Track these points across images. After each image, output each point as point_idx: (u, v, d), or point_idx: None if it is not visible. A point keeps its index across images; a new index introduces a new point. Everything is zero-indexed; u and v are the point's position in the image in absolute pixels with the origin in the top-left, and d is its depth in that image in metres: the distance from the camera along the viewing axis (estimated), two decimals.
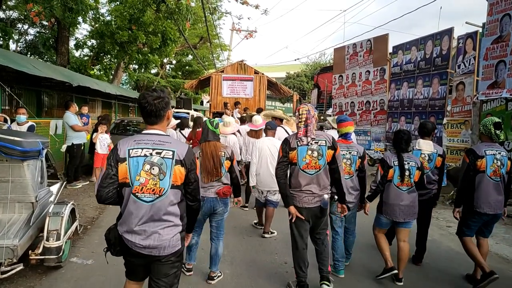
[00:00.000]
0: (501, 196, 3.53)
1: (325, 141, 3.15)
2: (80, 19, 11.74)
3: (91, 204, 5.98)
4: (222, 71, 13.72)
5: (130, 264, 2.21)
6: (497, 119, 3.60)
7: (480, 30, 7.65)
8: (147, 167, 2.02)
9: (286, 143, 3.20)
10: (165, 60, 22.36)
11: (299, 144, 3.13)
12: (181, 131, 7.16)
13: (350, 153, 3.70)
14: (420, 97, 8.12)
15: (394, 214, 3.55)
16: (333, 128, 6.33)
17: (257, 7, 12.04)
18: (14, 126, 5.70)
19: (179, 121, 7.35)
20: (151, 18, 12.21)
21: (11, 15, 16.85)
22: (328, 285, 3.26)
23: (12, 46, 16.88)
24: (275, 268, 3.90)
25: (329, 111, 14.50)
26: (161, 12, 11.46)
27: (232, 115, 9.94)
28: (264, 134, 5.32)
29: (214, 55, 24.09)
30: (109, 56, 14.77)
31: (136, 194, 2.02)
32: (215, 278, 3.50)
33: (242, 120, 8.22)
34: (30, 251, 3.25)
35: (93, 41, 14.20)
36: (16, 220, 3.33)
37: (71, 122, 7.18)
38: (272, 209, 4.84)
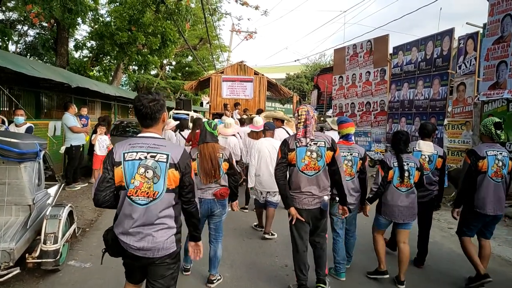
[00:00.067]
0: (502, 197, 3.50)
1: (324, 142, 3.13)
2: (79, 20, 11.67)
3: (90, 206, 5.92)
4: (222, 72, 13.67)
5: (128, 266, 2.22)
6: (497, 119, 3.58)
7: (481, 30, 7.63)
8: (142, 170, 2.03)
9: (285, 144, 3.18)
10: (164, 61, 22.35)
11: (298, 145, 3.11)
12: (181, 132, 7.12)
13: (351, 154, 3.67)
14: (421, 98, 8.10)
15: (393, 215, 3.54)
16: (332, 129, 6.30)
17: (257, 8, 12.04)
18: (12, 128, 5.67)
19: (178, 122, 7.33)
20: (150, 19, 12.20)
21: (11, 17, 16.82)
22: None
23: (12, 47, 16.85)
24: (275, 271, 3.86)
25: (329, 112, 14.47)
26: (160, 13, 11.45)
27: (232, 116, 9.90)
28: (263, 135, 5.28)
29: (214, 56, 24.11)
30: (108, 57, 14.75)
31: (131, 197, 2.03)
32: (214, 281, 3.47)
33: (242, 122, 8.14)
34: (27, 255, 3.22)
35: (93, 42, 14.16)
36: (13, 223, 3.29)
37: (70, 123, 7.14)
38: (273, 209, 4.82)
